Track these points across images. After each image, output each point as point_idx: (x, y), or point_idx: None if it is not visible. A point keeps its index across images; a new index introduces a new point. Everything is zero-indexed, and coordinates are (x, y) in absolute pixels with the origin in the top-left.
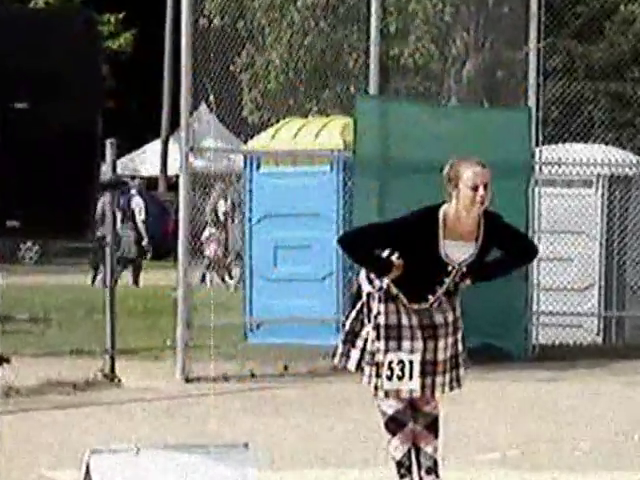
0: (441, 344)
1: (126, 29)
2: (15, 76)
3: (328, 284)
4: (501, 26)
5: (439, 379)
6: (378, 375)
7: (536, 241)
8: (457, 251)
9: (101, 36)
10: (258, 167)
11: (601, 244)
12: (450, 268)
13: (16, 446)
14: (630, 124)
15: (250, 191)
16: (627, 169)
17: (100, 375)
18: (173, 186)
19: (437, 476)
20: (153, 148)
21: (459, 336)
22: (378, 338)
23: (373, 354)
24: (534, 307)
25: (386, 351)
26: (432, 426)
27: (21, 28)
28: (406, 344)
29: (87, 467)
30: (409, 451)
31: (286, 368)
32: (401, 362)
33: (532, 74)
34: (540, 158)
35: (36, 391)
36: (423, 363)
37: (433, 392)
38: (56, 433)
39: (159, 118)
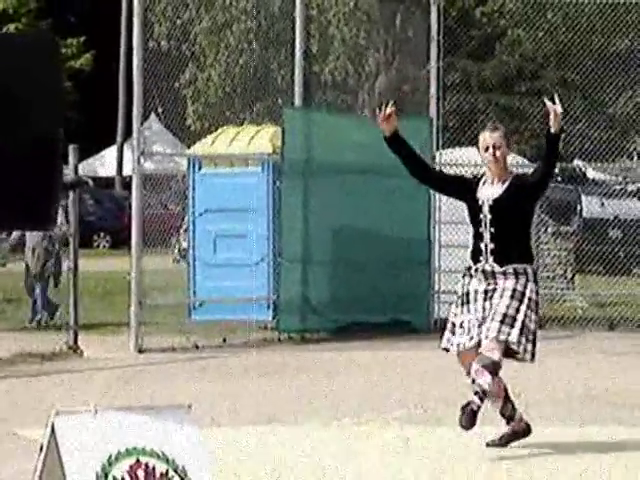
0: (495, 302)
1: (86, 51)
2: None
3: (260, 268)
4: (407, 47)
5: (486, 326)
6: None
7: (437, 231)
8: (487, 191)
9: (62, 56)
10: (200, 168)
11: None
12: (480, 202)
13: None
14: (516, 131)
15: (193, 189)
16: (514, 169)
17: (65, 347)
18: (128, 185)
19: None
20: (110, 153)
21: (520, 306)
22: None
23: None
24: (435, 287)
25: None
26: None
27: None
28: (469, 307)
29: (52, 426)
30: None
31: (225, 340)
32: (462, 322)
33: (433, 88)
34: (440, 160)
35: (8, 361)
36: (478, 320)
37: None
38: (26, 397)
39: (115, 126)
